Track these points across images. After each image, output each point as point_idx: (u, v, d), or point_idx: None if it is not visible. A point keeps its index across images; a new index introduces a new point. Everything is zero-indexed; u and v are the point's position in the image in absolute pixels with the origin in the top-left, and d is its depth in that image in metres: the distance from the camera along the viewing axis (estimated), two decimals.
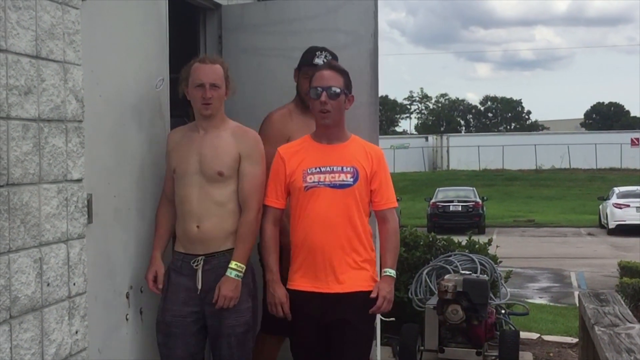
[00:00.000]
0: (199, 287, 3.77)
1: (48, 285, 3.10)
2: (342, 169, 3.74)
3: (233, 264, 3.73)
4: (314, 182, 3.71)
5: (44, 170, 3.08)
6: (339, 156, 3.77)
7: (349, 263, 3.71)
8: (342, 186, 3.71)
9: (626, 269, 11.48)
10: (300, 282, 3.75)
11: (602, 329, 2.86)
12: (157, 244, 3.91)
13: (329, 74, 3.75)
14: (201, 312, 3.80)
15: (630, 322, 2.95)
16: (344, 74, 3.79)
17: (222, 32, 5.06)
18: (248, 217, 3.78)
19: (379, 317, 4.80)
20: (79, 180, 3.31)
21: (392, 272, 3.79)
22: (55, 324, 3.15)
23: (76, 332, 3.30)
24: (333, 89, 3.71)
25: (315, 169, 3.74)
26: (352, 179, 3.73)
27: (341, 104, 3.75)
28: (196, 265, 3.77)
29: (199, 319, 3.81)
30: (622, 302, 3.30)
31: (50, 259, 3.11)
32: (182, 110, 4.91)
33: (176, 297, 3.80)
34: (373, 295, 3.71)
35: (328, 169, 3.73)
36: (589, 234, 25.34)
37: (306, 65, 4.28)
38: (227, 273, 3.73)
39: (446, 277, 6.62)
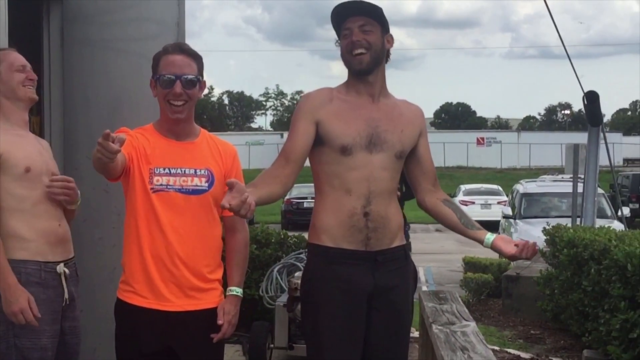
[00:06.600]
0: (66, 297, 3.32)
1: None
2: (195, 172, 3.20)
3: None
4: (161, 184, 3.14)
5: None
6: (190, 156, 3.22)
7: (198, 278, 3.20)
8: (196, 192, 3.18)
9: (470, 264, 11.95)
10: (139, 296, 3.18)
11: (439, 327, 2.94)
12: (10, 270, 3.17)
13: (182, 60, 3.18)
14: (59, 329, 3.32)
15: (466, 320, 3.05)
16: (197, 58, 3.24)
17: (63, 23, 4.83)
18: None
19: None
20: None
21: (238, 291, 3.32)
22: None
23: None
24: (189, 77, 3.16)
25: (164, 169, 3.16)
26: (207, 184, 3.21)
27: (196, 93, 3.20)
28: (59, 272, 3.28)
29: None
30: (460, 300, 3.41)
31: None
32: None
33: (47, 315, 3.22)
34: (219, 321, 3.22)
35: (179, 171, 3.17)
36: (437, 230, 26.11)
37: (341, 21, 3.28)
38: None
39: (297, 274, 6.66)
